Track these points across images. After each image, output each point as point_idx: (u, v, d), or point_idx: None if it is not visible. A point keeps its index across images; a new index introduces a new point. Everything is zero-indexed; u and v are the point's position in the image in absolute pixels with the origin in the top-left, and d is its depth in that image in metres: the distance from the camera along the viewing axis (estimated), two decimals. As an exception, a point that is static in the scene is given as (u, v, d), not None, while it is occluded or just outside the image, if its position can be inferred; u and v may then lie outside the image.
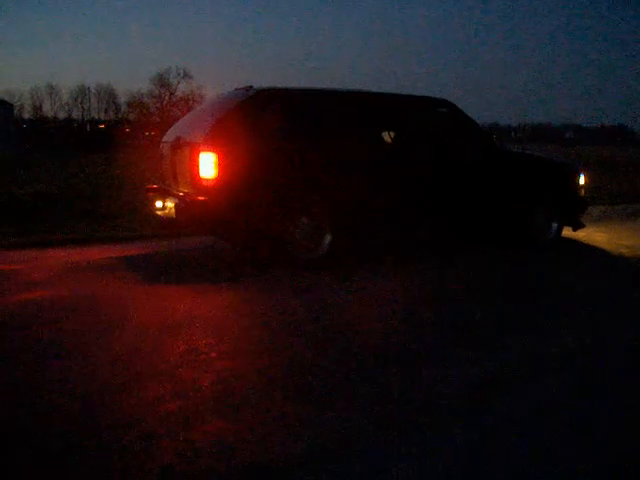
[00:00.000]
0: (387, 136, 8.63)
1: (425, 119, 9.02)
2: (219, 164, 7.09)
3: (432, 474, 3.13)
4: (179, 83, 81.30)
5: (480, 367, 4.50)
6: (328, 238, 7.75)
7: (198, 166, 7.15)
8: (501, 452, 3.30)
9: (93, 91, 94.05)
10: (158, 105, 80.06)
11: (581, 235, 9.98)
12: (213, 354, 4.73)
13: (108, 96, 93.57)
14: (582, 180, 9.65)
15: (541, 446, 3.36)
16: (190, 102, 72.79)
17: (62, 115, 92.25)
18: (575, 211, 9.61)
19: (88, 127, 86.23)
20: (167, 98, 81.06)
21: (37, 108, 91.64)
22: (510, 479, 3.09)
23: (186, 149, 7.64)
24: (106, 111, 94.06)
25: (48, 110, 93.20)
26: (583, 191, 9.71)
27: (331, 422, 3.63)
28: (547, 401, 3.98)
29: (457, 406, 3.84)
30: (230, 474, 3.09)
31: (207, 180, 7.14)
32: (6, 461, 3.24)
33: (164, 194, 8.05)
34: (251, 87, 7.95)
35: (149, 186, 8.79)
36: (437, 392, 4.06)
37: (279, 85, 8.18)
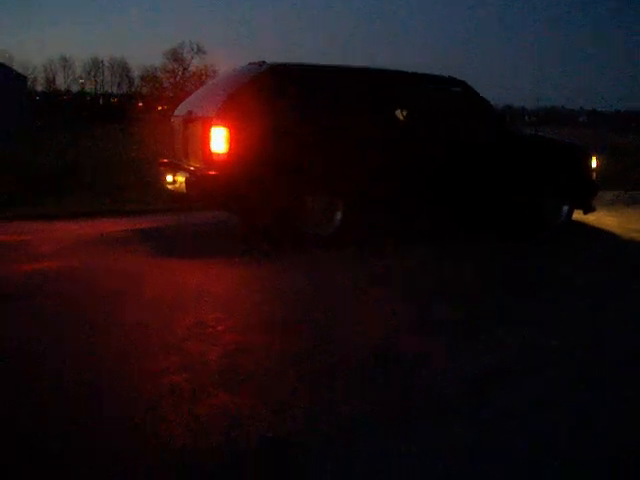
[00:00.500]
0: (400, 114, 8.57)
1: (439, 98, 8.97)
2: (230, 139, 7.08)
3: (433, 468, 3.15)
4: (193, 58, 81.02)
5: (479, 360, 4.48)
6: (339, 215, 7.75)
7: (209, 140, 7.15)
8: (501, 445, 3.30)
9: (106, 64, 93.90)
10: (171, 80, 79.90)
11: (591, 219, 9.94)
12: (220, 328, 4.76)
13: (121, 70, 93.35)
14: (594, 163, 9.59)
15: (541, 439, 3.35)
16: (203, 77, 72.50)
17: (75, 88, 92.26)
18: (586, 194, 9.55)
19: (101, 100, 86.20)
20: (180, 73, 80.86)
21: (50, 81, 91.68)
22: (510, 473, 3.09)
23: (198, 123, 7.64)
24: (119, 85, 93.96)
25: (61, 83, 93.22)
26: (595, 174, 9.66)
27: (336, 402, 3.65)
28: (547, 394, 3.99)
29: (456, 399, 3.85)
30: (234, 447, 3.11)
31: (218, 155, 7.14)
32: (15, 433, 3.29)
33: (175, 168, 8.06)
34: (264, 62, 7.92)
35: (160, 160, 8.81)
36: (437, 384, 4.06)
37: (293, 61, 8.17)
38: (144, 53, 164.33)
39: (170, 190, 8.12)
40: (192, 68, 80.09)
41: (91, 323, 4.81)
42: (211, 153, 7.17)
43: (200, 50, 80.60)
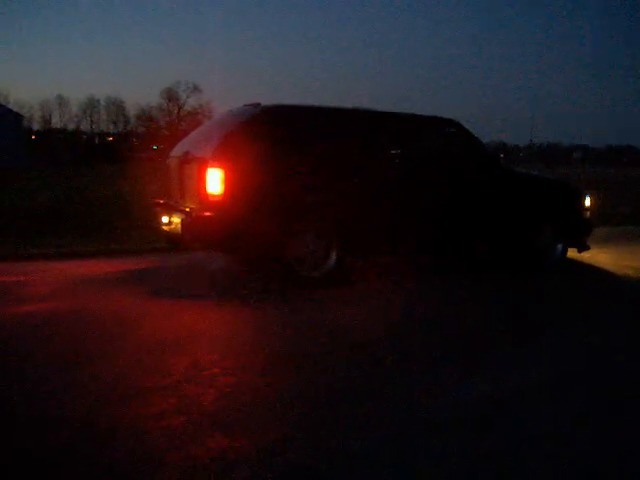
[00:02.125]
0: (394, 155, 8.63)
1: (432, 139, 9.04)
2: (226, 180, 7.12)
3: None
4: (188, 97, 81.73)
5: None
6: (334, 256, 7.77)
7: (205, 181, 7.19)
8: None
9: (102, 103, 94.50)
10: (167, 119, 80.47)
11: (586, 256, 9.98)
12: (216, 370, 4.76)
13: (117, 109, 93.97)
14: (588, 202, 9.66)
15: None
16: (199, 116, 73.03)
17: (71, 127, 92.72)
18: (581, 232, 9.61)
19: (97, 139, 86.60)
20: (176, 112, 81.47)
21: (46, 120, 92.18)
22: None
23: (194, 164, 7.68)
24: (115, 124, 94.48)
25: (57, 122, 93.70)
26: (588, 213, 9.72)
27: (335, 441, 3.64)
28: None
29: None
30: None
31: (214, 196, 7.18)
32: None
33: (170, 209, 8.08)
34: (259, 104, 8.00)
35: (155, 201, 8.83)
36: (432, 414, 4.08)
37: (287, 102, 8.24)
38: (140, 92, 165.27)
39: (165, 231, 8.14)
40: (188, 107, 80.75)
41: (87, 366, 4.79)
42: (207, 194, 7.20)
43: (196, 89, 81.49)
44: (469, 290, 7.89)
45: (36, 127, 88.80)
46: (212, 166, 7.17)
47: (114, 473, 3.22)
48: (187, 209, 7.64)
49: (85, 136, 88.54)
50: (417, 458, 3.50)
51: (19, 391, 4.32)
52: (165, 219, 8.07)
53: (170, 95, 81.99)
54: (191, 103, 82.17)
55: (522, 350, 5.53)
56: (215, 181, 7.14)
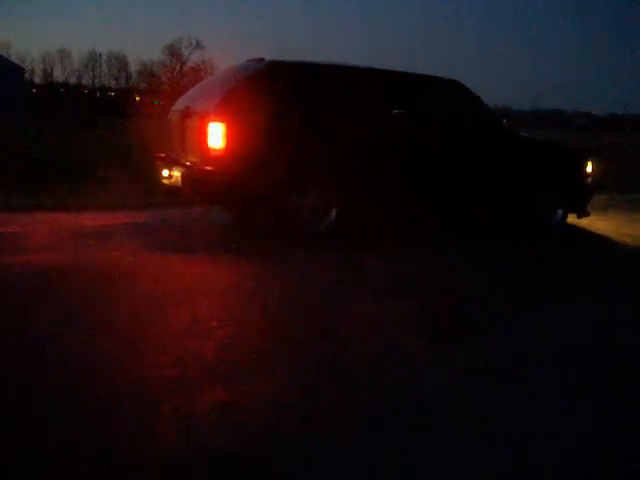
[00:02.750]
0: (396, 113, 8.60)
1: (435, 99, 8.98)
2: (228, 134, 7.10)
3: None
4: (191, 53, 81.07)
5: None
6: (333, 212, 7.77)
7: (207, 136, 7.17)
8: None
9: (104, 58, 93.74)
10: (169, 75, 79.91)
11: (584, 222, 9.97)
12: (214, 322, 4.78)
13: (119, 64, 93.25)
14: (589, 168, 9.63)
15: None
16: (202, 72, 72.47)
17: (72, 81, 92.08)
18: (581, 198, 9.60)
19: (98, 94, 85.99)
20: (179, 68, 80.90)
21: (48, 73, 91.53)
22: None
23: (195, 118, 7.65)
24: (117, 79, 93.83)
25: (59, 75, 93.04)
26: (590, 179, 9.70)
27: (334, 394, 3.69)
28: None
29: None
30: (230, 441, 3.13)
31: (215, 150, 7.16)
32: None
33: (171, 163, 8.06)
34: (262, 59, 7.96)
35: (156, 155, 8.81)
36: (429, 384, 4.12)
37: (291, 58, 8.20)
38: (142, 48, 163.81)
39: (166, 185, 8.13)
40: (190, 63, 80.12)
41: (84, 319, 4.82)
42: (208, 148, 7.19)
43: (199, 45, 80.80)
44: (466, 254, 7.87)
45: (38, 80, 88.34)
46: (214, 120, 7.15)
47: (112, 424, 3.24)
48: (188, 163, 7.63)
49: (86, 91, 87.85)
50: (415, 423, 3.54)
51: (19, 341, 4.36)
52: (166, 172, 8.05)
53: (173, 51, 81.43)
54: (194, 59, 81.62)
55: (518, 318, 5.53)
56: (217, 135, 7.12)
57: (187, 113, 7.98)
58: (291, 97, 7.77)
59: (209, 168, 7.22)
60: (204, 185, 7.34)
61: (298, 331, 4.72)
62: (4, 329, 4.52)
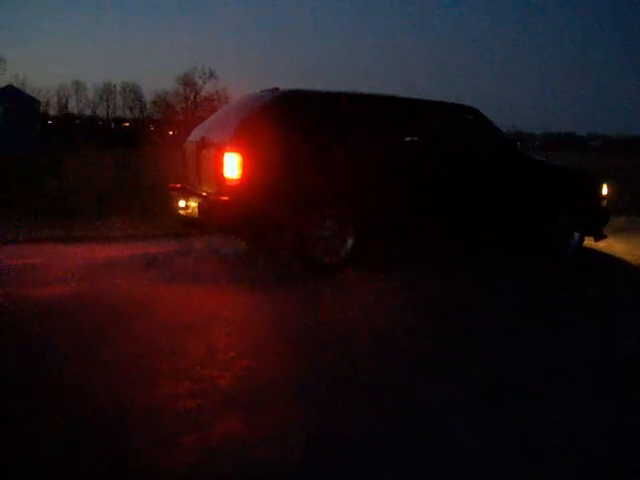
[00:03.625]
0: (413, 142, 8.62)
1: (451, 125, 9.02)
2: (243, 165, 7.13)
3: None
4: (205, 83, 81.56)
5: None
6: (350, 242, 7.76)
7: (222, 166, 7.20)
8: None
9: (119, 89, 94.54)
10: (183, 105, 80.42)
11: (602, 245, 9.92)
12: (232, 353, 4.78)
13: (133, 94, 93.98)
14: (605, 191, 9.62)
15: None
16: (215, 102, 72.85)
17: (87, 112, 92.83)
18: (597, 222, 9.58)
19: (113, 125, 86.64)
20: (192, 98, 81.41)
21: (63, 105, 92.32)
22: None
23: (211, 149, 7.69)
24: (131, 109, 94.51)
25: (74, 107, 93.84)
26: (605, 202, 9.68)
27: (352, 426, 3.66)
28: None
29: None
30: (245, 472, 3.12)
31: (231, 180, 7.19)
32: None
33: (187, 193, 8.09)
34: (277, 89, 8.01)
35: (172, 185, 8.85)
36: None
37: (306, 87, 8.24)
38: (156, 78, 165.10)
39: (182, 215, 8.15)
40: (204, 93, 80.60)
41: (101, 350, 4.83)
42: (224, 179, 7.22)
43: (212, 75, 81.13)
44: (484, 277, 7.88)
45: (52, 112, 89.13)
46: (230, 151, 7.18)
47: (129, 455, 3.24)
48: (204, 193, 7.65)
49: (101, 122, 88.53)
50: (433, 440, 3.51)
51: (38, 373, 4.36)
52: (182, 203, 8.07)
53: (186, 81, 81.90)
54: (207, 89, 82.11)
55: (534, 334, 5.57)
56: (232, 166, 7.15)
57: (203, 144, 8.02)
58: (306, 126, 7.78)
59: (225, 198, 7.24)
60: (220, 215, 7.36)
61: (317, 361, 4.71)
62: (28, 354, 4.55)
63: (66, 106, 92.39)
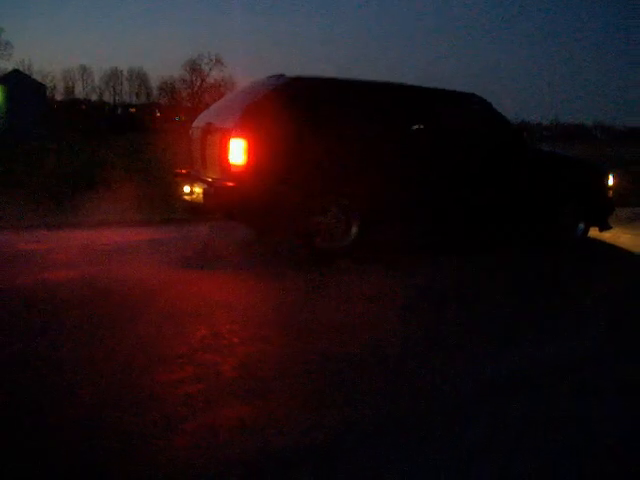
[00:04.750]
0: (418, 129, 8.61)
1: (456, 113, 8.99)
2: (249, 150, 7.12)
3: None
4: (211, 69, 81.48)
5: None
6: (354, 229, 7.77)
7: (228, 152, 7.20)
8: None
9: (125, 75, 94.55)
10: (189, 91, 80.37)
11: (607, 236, 9.91)
12: (235, 339, 4.79)
13: (140, 80, 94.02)
14: (610, 181, 9.61)
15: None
16: (222, 89, 72.77)
17: (94, 97, 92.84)
18: (602, 212, 9.57)
19: (119, 110, 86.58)
20: (198, 84, 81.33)
21: (69, 90, 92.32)
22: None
23: (216, 135, 7.68)
24: (137, 95, 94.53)
25: (80, 92, 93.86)
26: (611, 192, 9.67)
27: (354, 412, 3.67)
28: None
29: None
30: (247, 457, 3.13)
31: (236, 166, 7.19)
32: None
33: (193, 179, 8.10)
34: (283, 75, 7.99)
35: (177, 171, 8.85)
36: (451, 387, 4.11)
37: (312, 74, 8.22)
38: (163, 64, 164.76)
39: (187, 201, 8.16)
40: (210, 79, 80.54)
41: (106, 335, 4.85)
42: (229, 164, 7.22)
43: (219, 61, 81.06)
44: (490, 268, 7.88)
45: (59, 97, 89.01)
46: (235, 136, 7.18)
47: (132, 439, 3.25)
48: (209, 179, 7.66)
49: (107, 107, 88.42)
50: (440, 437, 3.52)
51: (40, 359, 4.38)
52: (187, 189, 8.07)
53: (193, 67, 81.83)
54: (214, 75, 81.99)
55: (537, 326, 5.56)
56: (238, 151, 7.14)
57: (208, 129, 8.01)
58: (312, 113, 7.77)
59: (230, 184, 7.24)
60: (225, 201, 7.35)
61: (320, 348, 4.72)
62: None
63: (72, 91, 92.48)
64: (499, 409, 3.82)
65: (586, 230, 9.42)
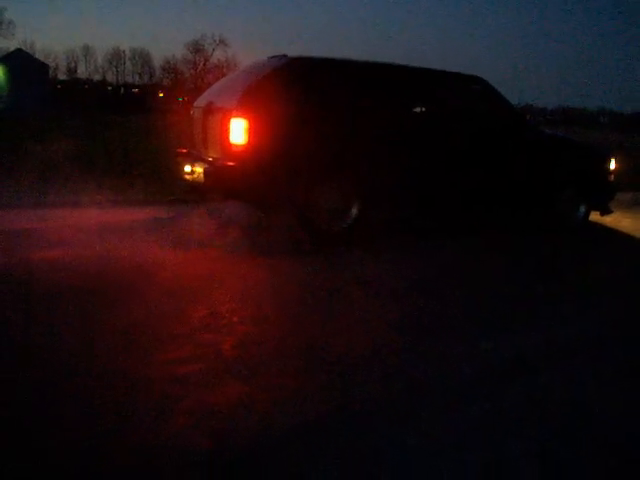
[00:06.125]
0: (418, 110, 8.58)
1: (457, 95, 8.97)
2: (249, 130, 7.11)
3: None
4: (214, 50, 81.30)
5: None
6: (355, 210, 7.76)
7: (229, 131, 7.18)
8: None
9: (128, 54, 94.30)
10: (192, 71, 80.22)
11: (608, 220, 9.91)
12: (234, 319, 4.80)
13: (143, 60, 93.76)
14: (612, 165, 9.59)
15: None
16: (225, 69, 72.60)
17: (96, 77, 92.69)
18: (604, 196, 9.57)
19: (122, 90, 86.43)
20: (202, 65, 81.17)
21: (72, 70, 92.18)
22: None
23: (217, 114, 7.66)
24: (140, 75, 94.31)
25: (83, 72, 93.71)
26: (613, 176, 9.66)
27: (345, 391, 3.68)
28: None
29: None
30: (246, 435, 3.14)
31: (237, 146, 7.17)
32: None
33: (193, 159, 8.09)
34: (285, 55, 7.96)
35: (179, 150, 8.84)
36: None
37: (314, 54, 8.19)
38: (166, 44, 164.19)
39: (188, 180, 8.15)
40: (214, 60, 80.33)
41: (104, 314, 4.85)
42: (230, 144, 7.20)
43: (222, 42, 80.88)
44: (490, 250, 7.88)
45: (62, 77, 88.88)
46: (236, 116, 7.16)
47: (130, 419, 3.26)
48: (210, 159, 7.65)
49: (110, 87, 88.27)
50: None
51: (37, 338, 4.39)
52: (188, 168, 8.06)
53: (196, 48, 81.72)
54: (217, 56, 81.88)
55: (537, 310, 5.57)
56: (238, 131, 7.12)
57: (209, 109, 7.99)
58: (313, 93, 7.74)
59: (231, 164, 7.23)
60: (226, 181, 7.34)
61: (320, 328, 4.73)
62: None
63: (75, 71, 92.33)
64: (496, 393, 3.83)
65: (587, 213, 9.42)
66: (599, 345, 4.83)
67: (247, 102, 7.27)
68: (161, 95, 72.32)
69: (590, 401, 3.77)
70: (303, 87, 7.68)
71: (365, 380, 3.82)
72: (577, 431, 3.39)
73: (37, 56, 72.89)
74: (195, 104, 8.78)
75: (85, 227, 7.79)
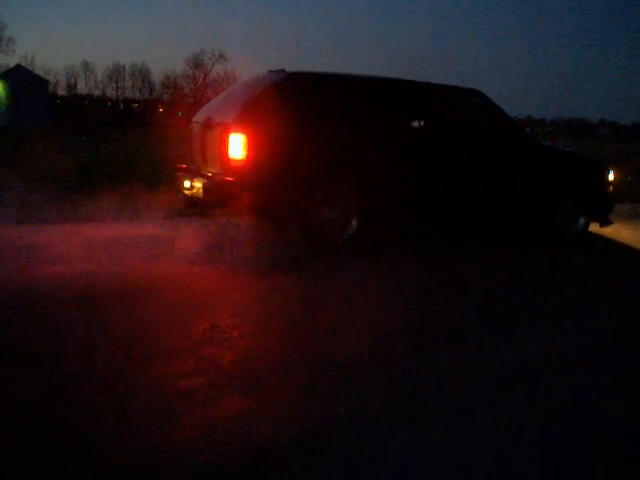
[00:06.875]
0: (417, 123, 8.62)
1: (456, 109, 9.01)
2: (248, 145, 7.13)
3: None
4: (214, 65, 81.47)
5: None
6: (355, 223, 7.77)
7: (227, 147, 7.21)
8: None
9: (127, 70, 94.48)
10: (192, 86, 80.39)
11: (607, 231, 9.90)
12: (235, 333, 4.80)
13: (142, 76, 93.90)
14: (611, 176, 9.61)
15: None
16: (224, 84, 72.74)
17: (96, 93, 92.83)
18: (603, 207, 9.57)
19: (121, 106, 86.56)
20: (201, 80, 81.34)
21: (72, 85, 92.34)
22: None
23: (216, 129, 7.69)
24: (140, 90, 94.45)
25: (83, 87, 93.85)
26: (611, 188, 9.67)
27: (347, 403, 3.68)
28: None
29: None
30: (247, 449, 3.14)
31: (236, 161, 7.20)
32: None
33: (193, 174, 8.11)
34: (283, 70, 7.99)
35: (178, 165, 8.86)
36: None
37: (312, 69, 8.22)
38: (165, 59, 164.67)
39: (187, 195, 8.17)
40: (213, 74, 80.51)
41: (107, 328, 4.85)
42: (229, 159, 7.23)
43: (222, 56, 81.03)
44: (488, 262, 7.86)
45: (62, 92, 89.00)
46: (235, 131, 7.19)
47: (132, 433, 3.27)
48: (209, 174, 7.67)
49: (110, 103, 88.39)
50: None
51: (39, 352, 4.38)
52: (187, 183, 8.08)
53: (196, 63, 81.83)
54: (217, 71, 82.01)
55: (537, 320, 5.60)
56: (237, 146, 7.15)
57: (208, 124, 8.02)
58: (312, 108, 7.77)
59: (230, 179, 7.25)
60: (225, 196, 7.37)
61: (320, 342, 4.73)
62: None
63: (75, 86, 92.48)
64: (498, 400, 3.83)
65: (586, 225, 9.43)
66: (597, 354, 4.84)
67: (245, 117, 7.30)
68: (161, 110, 72.39)
69: (590, 406, 3.78)
70: (301, 102, 7.72)
71: (367, 392, 3.83)
72: (577, 431, 3.40)
73: (37, 72, 73.00)
74: (194, 119, 8.81)
75: (86, 242, 7.79)
